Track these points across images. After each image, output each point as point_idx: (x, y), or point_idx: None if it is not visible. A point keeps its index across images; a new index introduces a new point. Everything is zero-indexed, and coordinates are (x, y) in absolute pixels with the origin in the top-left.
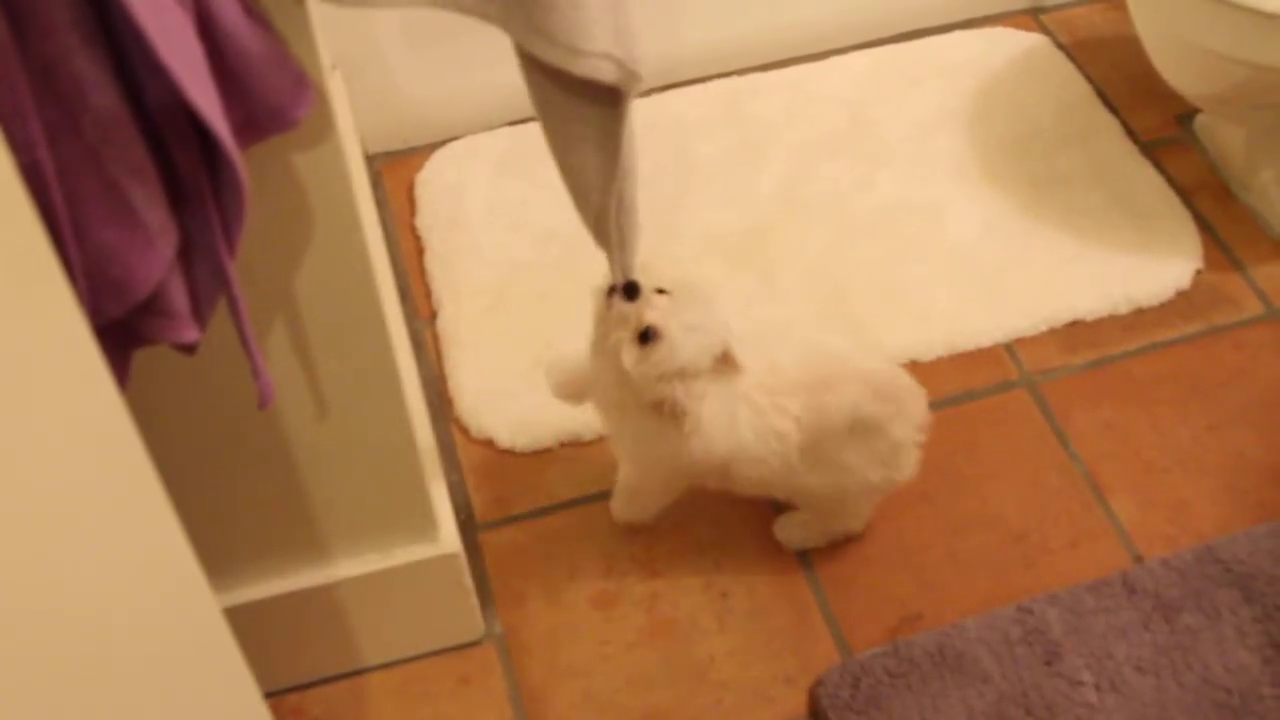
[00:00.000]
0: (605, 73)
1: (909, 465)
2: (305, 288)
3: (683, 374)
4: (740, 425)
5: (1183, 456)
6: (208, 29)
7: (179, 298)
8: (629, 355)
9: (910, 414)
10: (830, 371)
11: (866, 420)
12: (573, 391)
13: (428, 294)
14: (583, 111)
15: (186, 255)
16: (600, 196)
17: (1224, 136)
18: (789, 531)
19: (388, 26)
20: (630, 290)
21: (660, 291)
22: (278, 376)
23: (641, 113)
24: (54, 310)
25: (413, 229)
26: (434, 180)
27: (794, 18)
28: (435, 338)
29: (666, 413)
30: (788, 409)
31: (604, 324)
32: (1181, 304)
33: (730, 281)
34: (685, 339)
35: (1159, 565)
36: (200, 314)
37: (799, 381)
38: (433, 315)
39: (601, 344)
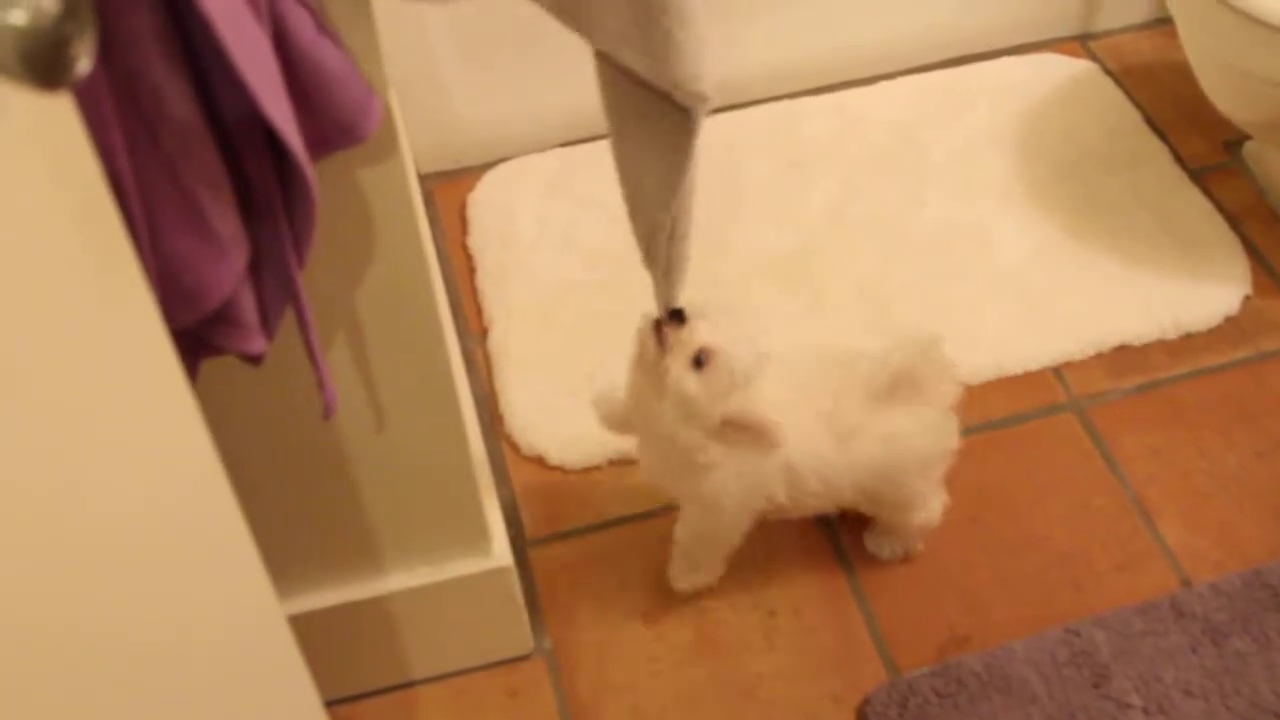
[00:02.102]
0: (700, 103)
1: (953, 426)
2: (367, 301)
3: (746, 384)
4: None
5: (1230, 482)
6: (283, 45)
7: (248, 308)
8: (690, 381)
9: (941, 364)
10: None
11: (900, 373)
12: (622, 423)
13: (479, 312)
14: (659, 124)
15: (256, 267)
16: (657, 212)
17: (1273, 163)
18: (878, 544)
19: (442, 46)
20: (677, 315)
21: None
22: (339, 388)
23: None
24: (137, 316)
25: (464, 248)
26: (485, 200)
27: (844, 43)
28: (486, 355)
29: (742, 430)
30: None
31: (652, 361)
32: (1230, 330)
33: (779, 301)
34: (738, 350)
35: (1207, 589)
36: (268, 325)
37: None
38: (484, 333)
39: (654, 380)
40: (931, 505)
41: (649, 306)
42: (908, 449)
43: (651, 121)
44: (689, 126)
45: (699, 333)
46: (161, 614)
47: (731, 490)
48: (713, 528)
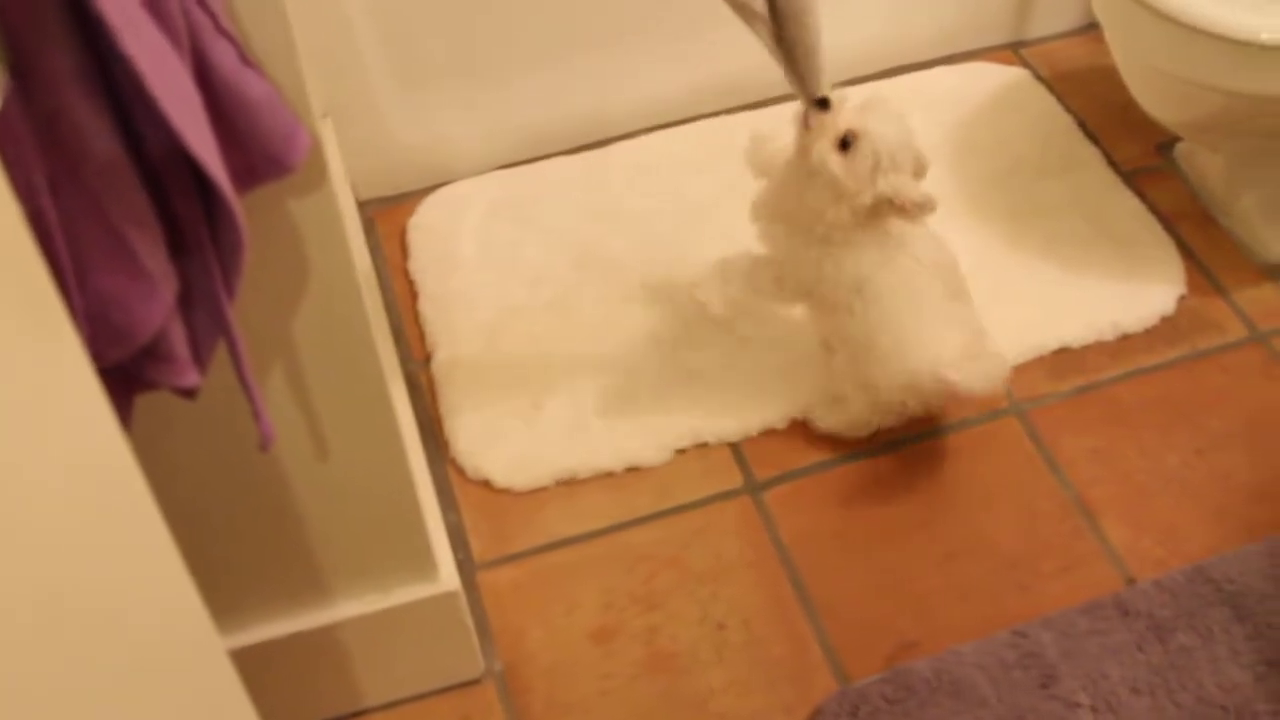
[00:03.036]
0: None
1: None
2: (303, 331)
3: (894, 164)
4: None
5: (1171, 480)
6: (205, 78)
7: (179, 343)
8: (835, 163)
9: None
10: None
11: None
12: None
13: (422, 337)
14: None
15: (187, 301)
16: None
17: (1204, 164)
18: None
19: (378, 73)
20: (823, 103)
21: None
22: (277, 419)
23: (631, 153)
24: (61, 355)
25: (406, 273)
26: (426, 225)
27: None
28: (430, 380)
29: (896, 209)
30: None
31: (801, 149)
32: (1166, 329)
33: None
34: (884, 131)
35: (1151, 586)
36: (200, 359)
37: None
38: (427, 358)
39: (805, 167)
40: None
41: (595, 326)
42: None
43: None
44: None
45: (845, 116)
46: (94, 657)
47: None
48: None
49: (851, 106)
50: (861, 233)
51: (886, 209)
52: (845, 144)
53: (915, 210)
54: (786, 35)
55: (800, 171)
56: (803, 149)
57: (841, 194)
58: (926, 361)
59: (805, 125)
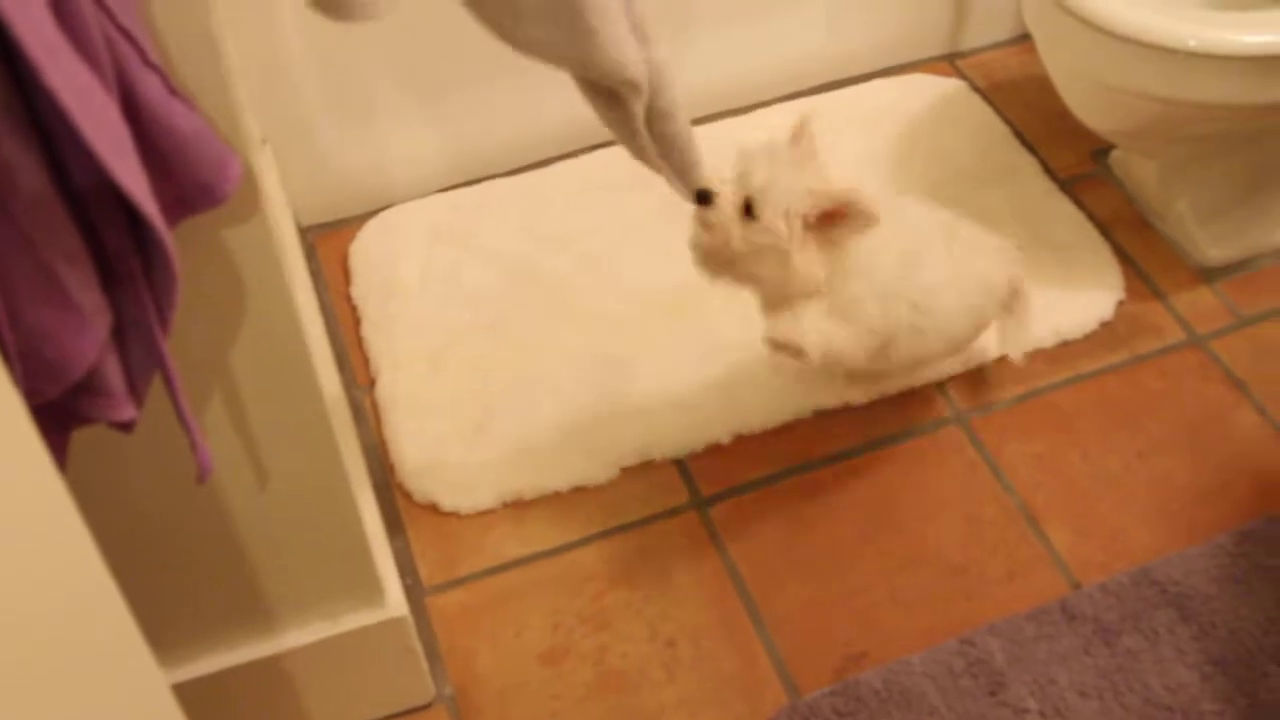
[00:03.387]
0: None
1: None
2: (240, 361)
3: (799, 196)
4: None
5: (1113, 484)
6: (133, 109)
7: (114, 377)
8: (755, 233)
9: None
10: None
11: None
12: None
13: (365, 362)
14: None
15: (121, 334)
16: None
17: (1138, 170)
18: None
19: (315, 99)
20: (705, 196)
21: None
22: (217, 449)
23: (570, 173)
24: None
25: (348, 298)
26: (367, 249)
27: (718, 73)
28: (375, 405)
29: (831, 220)
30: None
31: (719, 246)
32: (1105, 335)
33: (666, 337)
34: (782, 177)
35: (1096, 590)
36: (136, 392)
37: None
38: (371, 383)
39: (729, 257)
40: None
41: (538, 347)
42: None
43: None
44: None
45: (728, 194)
46: (30, 700)
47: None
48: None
49: (729, 185)
50: (832, 252)
51: (827, 228)
52: (749, 211)
53: (854, 214)
54: (664, 133)
55: (735, 263)
56: (719, 245)
57: (782, 251)
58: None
59: (706, 229)
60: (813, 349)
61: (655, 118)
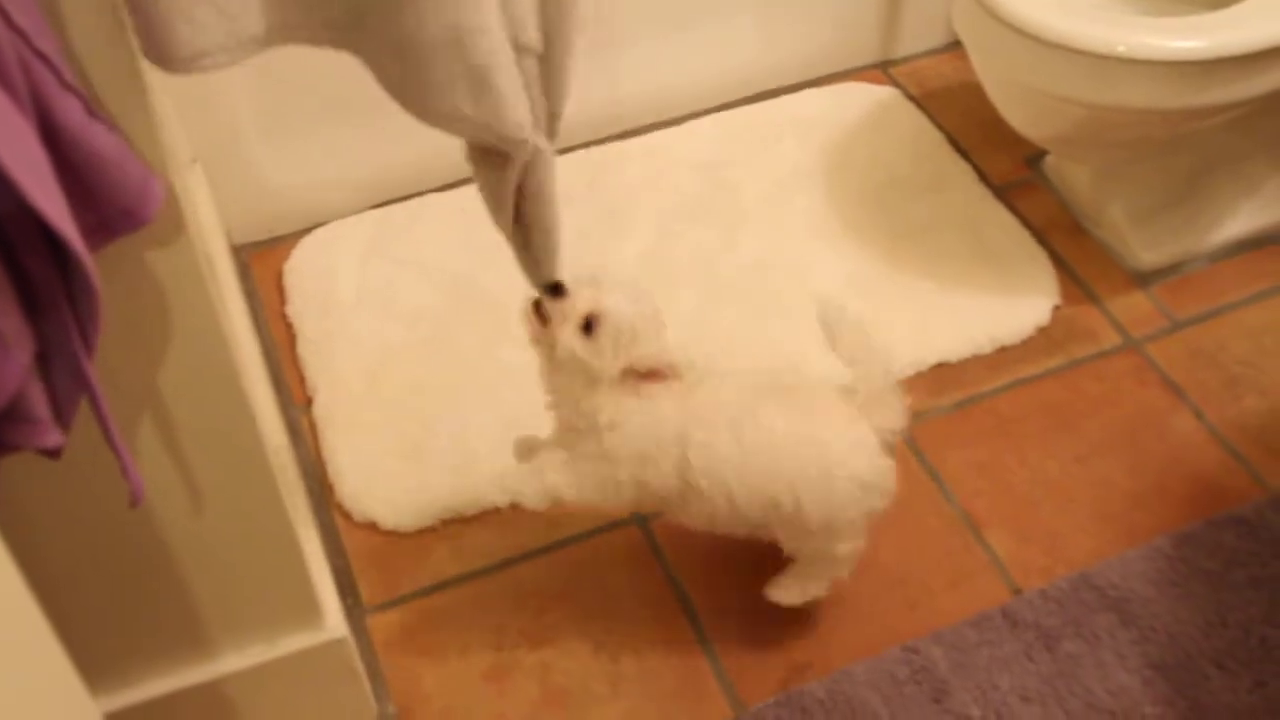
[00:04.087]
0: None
1: (887, 465)
2: (170, 384)
3: (635, 338)
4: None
5: (1053, 488)
6: (50, 134)
7: (39, 404)
8: (581, 347)
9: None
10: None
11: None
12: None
13: (302, 381)
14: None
15: (45, 360)
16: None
17: (1071, 176)
18: (784, 590)
19: (245, 118)
20: (557, 289)
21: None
22: (149, 474)
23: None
24: None
25: (284, 317)
26: (301, 267)
27: (647, 85)
28: (312, 424)
29: (644, 376)
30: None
31: (538, 338)
32: (1042, 340)
33: None
34: (628, 309)
35: (1037, 596)
36: (62, 418)
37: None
38: (308, 402)
39: (546, 354)
40: (856, 543)
41: (475, 362)
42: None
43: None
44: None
45: (583, 300)
46: None
47: (627, 449)
48: (600, 488)
49: (586, 288)
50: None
51: (634, 380)
52: (589, 326)
53: (667, 374)
54: (526, 213)
55: (548, 365)
56: (544, 342)
57: (592, 377)
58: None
59: (539, 317)
60: (534, 500)
61: (529, 198)
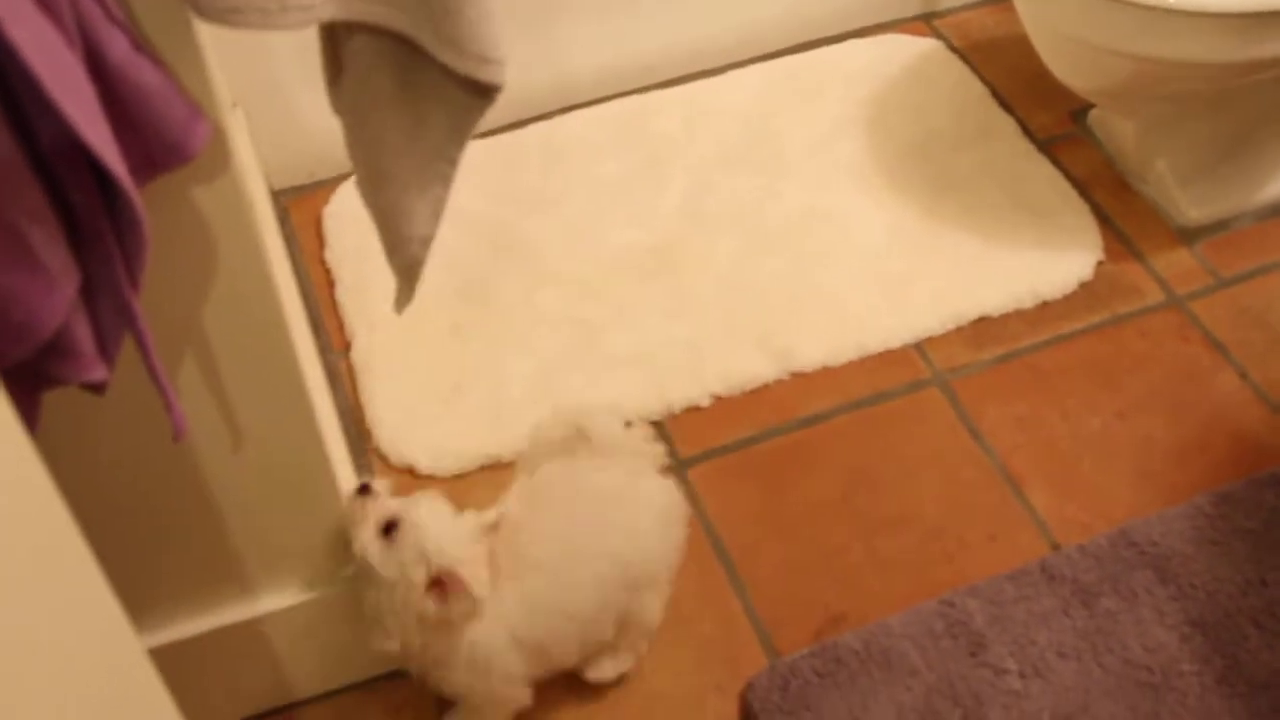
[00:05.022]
0: (499, 75)
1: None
2: (213, 320)
3: (440, 554)
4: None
5: (1093, 444)
6: (98, 67)
7: (84, 337)
8: (374, 551)
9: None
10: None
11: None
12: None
13: (340, 326)
14: (431, 140)
15: (90, 294)
16: (424, 236)
17: (1117, 130)
18: (601, 670)
19: (287, 63)
20: (365, 489)
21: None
22: (191, 410)
23: (543, 136)
24: None
25: (322, 262)
26: (341, 212)
27: (691, 34)
28: (350, 369)
29: (444, 594)
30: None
31: (349, 524)
32: (1085, 295)
33: (639, 298)
34: (431, 520)
35: (1076, 552)
36: (107, 352)
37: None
38: (346, 347)
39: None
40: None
41: (513, 309)
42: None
43: (422, 139)
44: (482, 108)
45: (386, 503)
46: (3, 665)
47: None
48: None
49: (394, 496)
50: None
51: (435, 599)
52: (388, 529)
53: (461, 596)
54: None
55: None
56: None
57: (382, 586)
58: None
59: (351, 510)
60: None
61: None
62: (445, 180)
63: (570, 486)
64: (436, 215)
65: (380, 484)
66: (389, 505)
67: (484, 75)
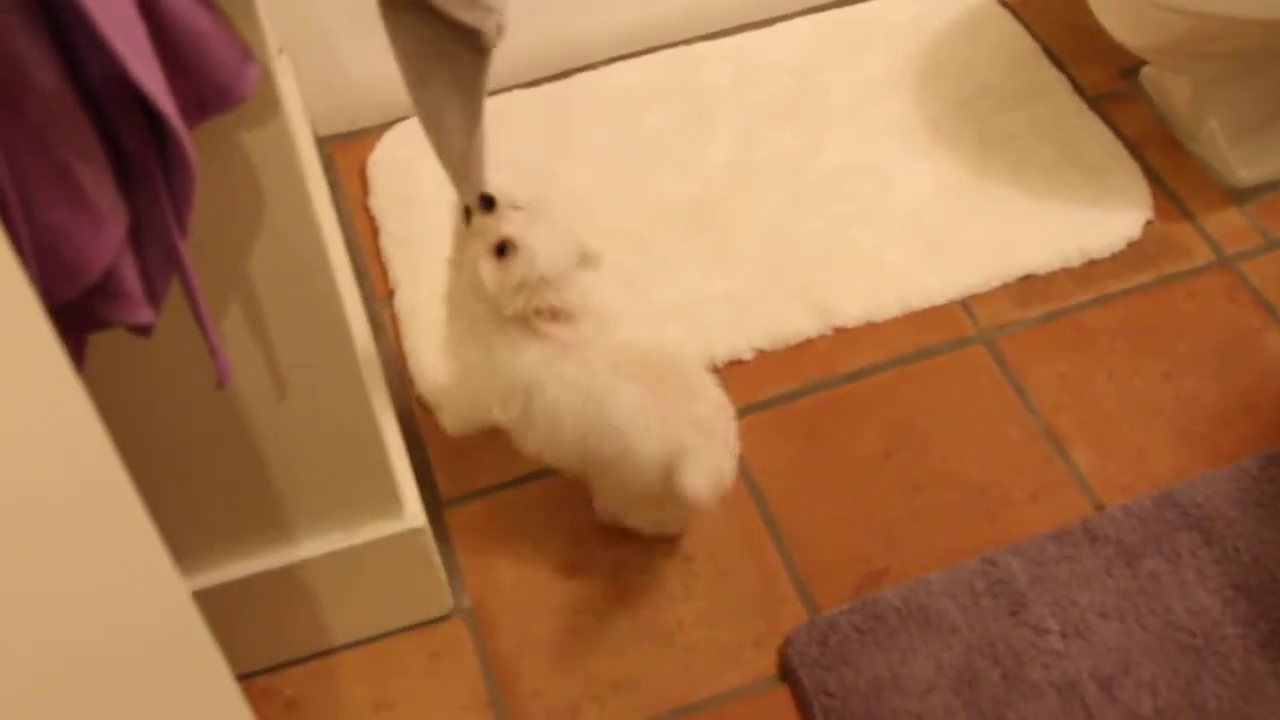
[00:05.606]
0: (497, 30)
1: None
2: (259, 266)
3: (544, 283)
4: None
5: (1139, 405)
6: (149, 6)
7: (131, 279)
8: (486, 270)
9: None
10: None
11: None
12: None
13: (384, 274)
14: (460, 61)
15: (138, 236)
16: (465, 140)
17: (1170, 88)
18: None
19: (333, 9)
20: (487, 202)
21: (515, 208)
22: (235, 356)
23: (590, 85)
24: (9, 294)
25: (367, 210)
26: (386, 160)
27: None
28: (394, 317)
29: (542, 322)
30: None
31: (462, 243)
32: (1133, 254)
33: (683, 250)
34: (542, 247)
35: (1119, 512)
36: (154, 295)
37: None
38: (390, 295)
39: (460, 262)
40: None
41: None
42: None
43: (456, 66)
44: (486, 60)
45: (503, 225)
46: (52, 603)
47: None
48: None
49: (516, 214)
50: (516, 332)
51: (535, 319)
52: (502, 250)
53: (562, 320)
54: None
55: (457, 265)
56: (460, 244)
57: (486, 299)
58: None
59: (466, 220)
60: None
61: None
62: (475, 103)
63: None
64: (469, 132)
65: (503, 194)
66: (509, 225)
67: (471, 19)
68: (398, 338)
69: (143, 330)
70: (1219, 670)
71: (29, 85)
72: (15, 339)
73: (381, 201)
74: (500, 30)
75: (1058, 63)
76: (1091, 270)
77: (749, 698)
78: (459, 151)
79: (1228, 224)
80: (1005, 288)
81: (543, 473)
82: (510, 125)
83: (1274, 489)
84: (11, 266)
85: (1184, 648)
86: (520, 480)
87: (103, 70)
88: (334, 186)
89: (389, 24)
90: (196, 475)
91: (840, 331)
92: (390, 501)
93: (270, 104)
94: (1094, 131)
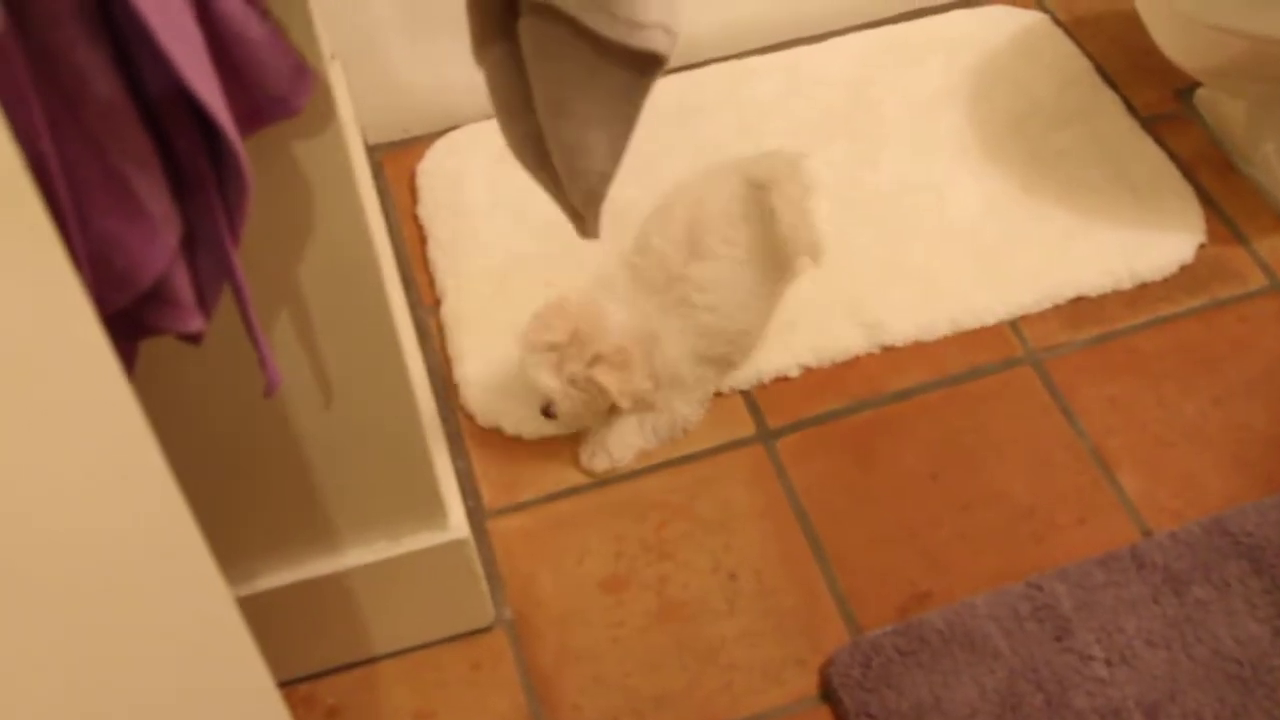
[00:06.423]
0: (660, 43)
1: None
2: (310, 275)
3: (600, 393)
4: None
5: (1189, 430)
6: (207, 16)
7: (183, 287)
8: (550, 424)
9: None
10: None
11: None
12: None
13: (431, 283)
14: (610, 86)
15: (190, 244)
16: (603, 172)
17: (1225, 110)
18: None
19: (386, 16)
20: (546, 412)
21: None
22: (284, 365)
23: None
24: (63, 301)
25: (415, 218)
26: (435, 169)
27: (794, 0)
28: (440, 326)
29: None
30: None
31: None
32: (1185, 278)
33: None
34: (572, 392)
35: (1167, 538)
36: (205, 303)
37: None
38: (437, 303)
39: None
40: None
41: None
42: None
43: (605, 89)
44: (646, 82)
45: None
46: (98, 607)
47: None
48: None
49: (546, 367)
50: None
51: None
52: (548, 413)
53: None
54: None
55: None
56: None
57: (583, 407)
58: None
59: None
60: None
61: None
62: (628, 120)
63: None
64: (617, 154)
65: (536, 339)
66: (544, 395)
67: (636, 42)
68: (443, 346)
69: (193, 338)
70: (1265, 701)
71: (88, 94)
72: (69, 345)
73: (430, 210)
74: (675, 41)
75: (1111, 83)
76: (1143, 293)
77: (790, 717)
78: (593, 187)
79: None
80: (1055, 309)
81: (586, 486)
82: None
83: None
84: (66, 273)
85: (1231, 678)
86: (564, 493)
87: (160, 80)
88: (383, 194)
89: (530, 44)
90: (243, 482)
91: (887, 350)
92: (435, 512)
93: (324, 114)
94: (1147, 153)
